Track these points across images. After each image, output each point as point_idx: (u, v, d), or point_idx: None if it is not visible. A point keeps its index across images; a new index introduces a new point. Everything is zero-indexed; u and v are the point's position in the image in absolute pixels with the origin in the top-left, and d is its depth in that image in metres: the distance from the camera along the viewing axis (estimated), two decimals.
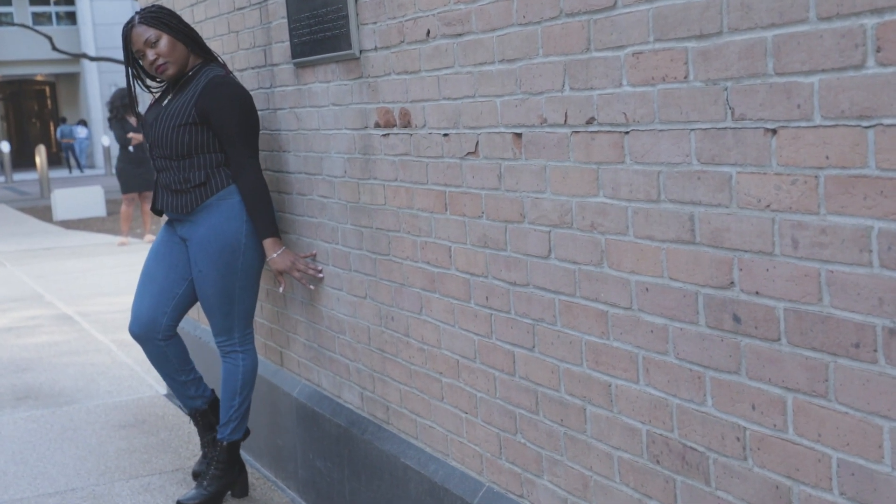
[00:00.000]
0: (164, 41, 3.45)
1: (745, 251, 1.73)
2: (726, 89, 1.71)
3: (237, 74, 4.01)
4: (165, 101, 3.56)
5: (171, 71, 3.47)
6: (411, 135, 2.78)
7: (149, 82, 3.71)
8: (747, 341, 1.75)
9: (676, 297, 1.90)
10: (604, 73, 2.00)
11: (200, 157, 3.46)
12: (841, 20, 1.49)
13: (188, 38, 3.51)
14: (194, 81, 3.48)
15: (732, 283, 1.76)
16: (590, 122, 2.07)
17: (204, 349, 4.71)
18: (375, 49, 2.90)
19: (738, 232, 1.74)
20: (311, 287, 3.50)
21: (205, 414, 3.78)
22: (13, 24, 18.79)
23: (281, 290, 3.56)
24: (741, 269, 1.74)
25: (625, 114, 1.96)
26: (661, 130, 1.87)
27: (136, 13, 3.53)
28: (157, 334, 3.59)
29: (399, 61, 2.78)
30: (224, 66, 3.58)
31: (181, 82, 3.54)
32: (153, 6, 3.55)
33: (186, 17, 4.48)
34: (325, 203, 3.40)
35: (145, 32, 3.45)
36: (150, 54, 3.45)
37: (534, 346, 2.38)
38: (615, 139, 2.00)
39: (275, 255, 3.48)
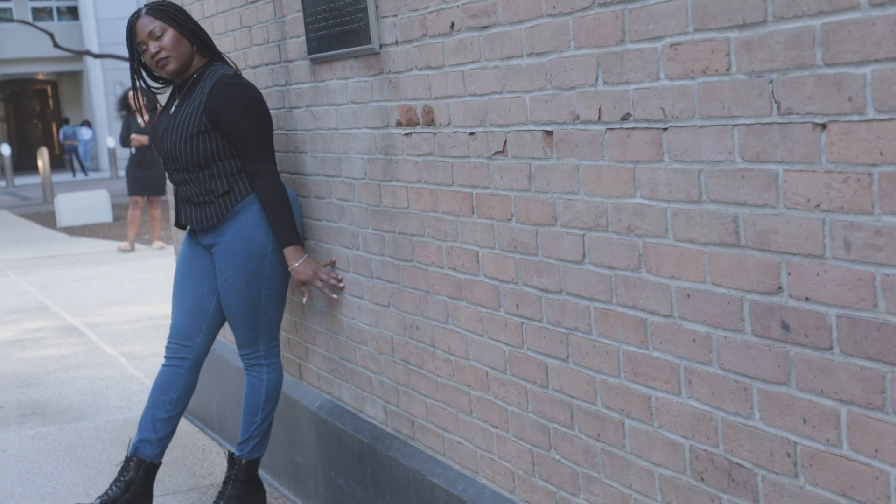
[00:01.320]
0: (169, 35, 3.48)
1: (794, 254, 1.72)
2: (772, 82, 1.71)
3: (250, 72, 4.03)
4: (173, 109, 3.57)
5: (171, 66, 3.48)
6: (435, 134, 2.79)
7: (150, 82, 3.71)
8: (797, 350, 1.75)
9: (720, 304, 1.89)
10: (640, 66, 2.00)
11: (219, 165, 3.48)
12: (895, 6, 1.49)
13: (195, 35, 3.53)
14: (200, 85, 3.49)
15: (780, 288, 1.76)
16: (625, 118, 2.07)
17: (217, 361, 4.74)
18: (396, 43, 2.91)
19: (785, 234, 1.73)
20: (334, 296, 3.51)
21: (139, 466, 3.55)
22: (12, 21, 18.96)
23: (304, 300, 3.58)
24: (790, 274, 1.74)
25: (663, 109, 1.96)
26: (701, 126, 1.87)
27: (144, 5, 3.57)
28: (189, 353, 3.60)
29: (421, 56, 2.79)
30: (233, 65, 3.60)
31: (187, 86, 3.55)
32: (161, 0, 3.58)
33: (196, 13, 4.51)
34: (345, 206, 3.41)
35: (150, 24, 3.48)
36: (153, 46, 3.48)
37: (568, 357, 2.38)
38: (652, 136, 2.00)
39: (296, 264, 3.49)
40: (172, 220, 3.81)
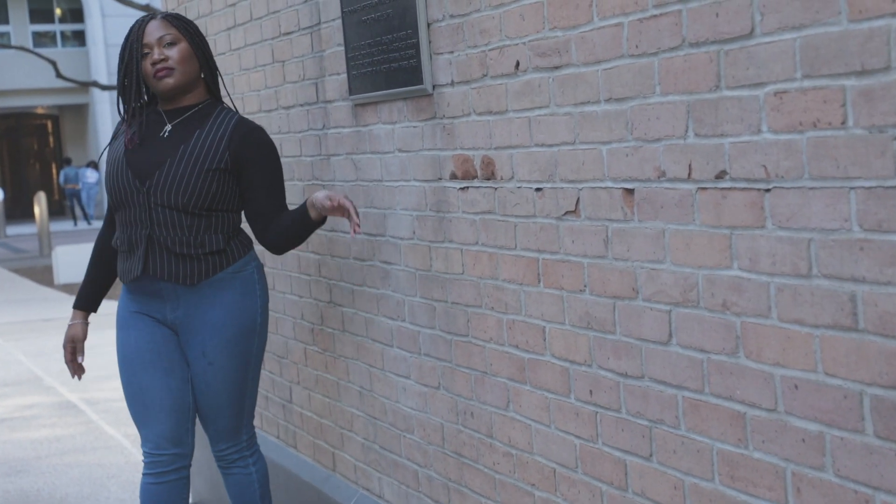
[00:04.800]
0: (182, 47, 3.47)
1: None
2: None
3: (282, 113, 4.10)
4: (166, 134, 3.48)
5: (171, 81, 3.44)
6: (496, 189, 2.81)
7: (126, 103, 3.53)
8: None
9: (835, 398, 1.87)
10: (738, 116, 2.01)
11: (221, 216, 3.46)
12: None
13: (207, 63, 3.54)
14: (212, 120, 3.48)
15: None
16: (720, 176, 2.07)
17: None
18: (452, 84, 2.94)
19: None
20: (357, 227, 3.23)
21: None
22: (10, 47, 19.39)
23: (352, 234, 3.23)
24: None
25: (765, 167, 1.96)
26: (811, 188, 1.87)
27: (160, 12, 3.56)
28: (185, 459, 3.53)
29: (481, 99, 2.82)
30: (235, 109, 3.59)
31: (184, 116, 3.51)
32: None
33: (222, 43, 4.60)
34: (389, 270, 3.44)
35: (164, 29, 3.47)
36: (157, 53, 3.44)
37: (651, 455, 2.36)
38: (753, 198, 2.00)
39: (320, 199, 3.35)
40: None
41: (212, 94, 3.58)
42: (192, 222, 3.43)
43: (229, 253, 3.47)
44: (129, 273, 3.50)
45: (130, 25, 3.55)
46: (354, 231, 3.20)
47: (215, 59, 4.65)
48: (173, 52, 3.45)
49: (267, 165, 3.47)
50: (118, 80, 3.52)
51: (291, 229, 3.45)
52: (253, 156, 3.45)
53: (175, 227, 3.43)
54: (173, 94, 3.49)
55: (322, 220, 3.43)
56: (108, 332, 11.27)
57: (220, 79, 3.64)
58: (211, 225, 3.44)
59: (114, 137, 3.62)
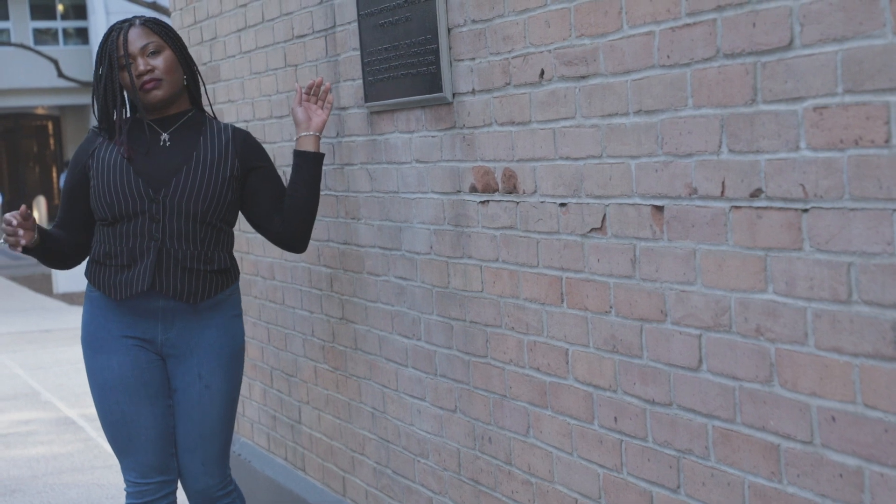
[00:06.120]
0: (166, 56, 3.42)
1: None
2: None
3: None
4: (167, 142, 3.45)
5: (160, 93, 3.40)
6: (518, 203, 2.81)
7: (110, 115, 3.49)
8: None
9: (875, 432, 1.86)
10: (775, 131, 2.00)
11: (226, 232, 3.48)
12: None
13: (191, 72, 3.53)
14: (207, 129, 3.48)
15: None
16: (755, 194, 2.06)
17: (242, 470, 4.75)
18: (473, 92, 2.94)
19: None
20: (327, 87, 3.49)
21: None
22: (9, 44, 19.50)
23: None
24: None
25: (803, 186, 1.95)
26: (852, 209, 1.86)
27: (137, 17, 3.50)
28: (172, 484, 3.53)
29: (503, 108, 2.82)
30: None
31: (179, 124, 3.49)
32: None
33: (232, 46, 4.61)
34: (405, 287, 3.44)
35: (146, 37, 3.41)
36: (143, 64, 3.38)
37: (678, 487, 2.35)
38: (789, 218, 1.99)
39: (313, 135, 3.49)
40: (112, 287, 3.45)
41: (194, 102, 3.57)
42: (204, 234, 3.41)
43: (230, 273, 3.51)
44: (128, 288, 3.41)
45: (105, 32, 3.49)
46: (326, 91, 3.50)
47: (224, 63, 4.68)
48: (159, 62, 3.40)
49: (269, 168, 3.53)
50: (96, 91, 3.45)
51: (299, 188, 3.45)
52: (257, 160, 3.49)
53: (188, 239, 3.40)
54: (161, 106, 3.46)
55: (320, 155, 3.45)
56: None
57: (202, 86, 3.62)
58: (220, 241, 3.45)
59: (92, 150, 3.49)
